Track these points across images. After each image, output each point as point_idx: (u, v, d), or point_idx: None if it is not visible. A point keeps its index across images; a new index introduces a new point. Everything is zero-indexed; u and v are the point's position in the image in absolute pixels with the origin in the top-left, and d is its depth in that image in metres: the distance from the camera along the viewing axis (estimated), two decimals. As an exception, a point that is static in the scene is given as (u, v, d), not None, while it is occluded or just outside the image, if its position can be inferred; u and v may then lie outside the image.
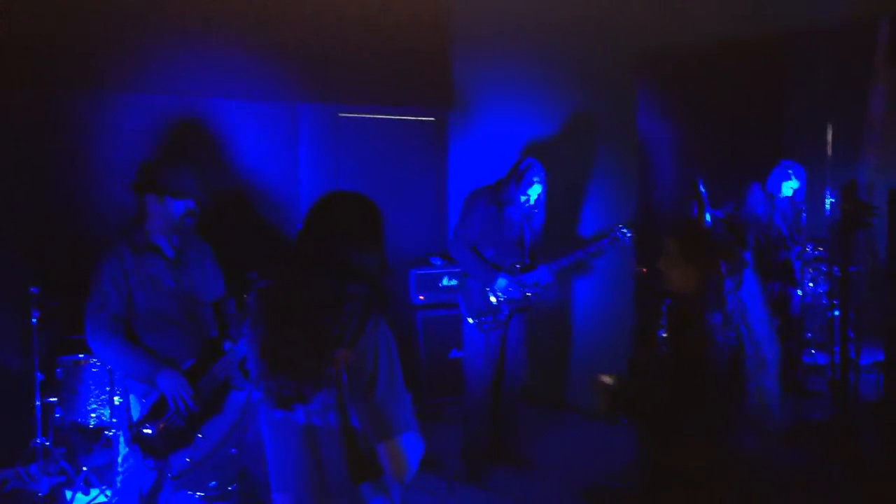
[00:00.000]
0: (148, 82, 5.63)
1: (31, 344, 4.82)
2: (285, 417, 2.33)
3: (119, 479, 4.03)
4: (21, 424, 5.00)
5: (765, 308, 2.71)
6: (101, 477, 4.93)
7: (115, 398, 4.78)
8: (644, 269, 5.72)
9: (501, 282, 5.23)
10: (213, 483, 4.64)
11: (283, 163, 6.38)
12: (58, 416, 4.94)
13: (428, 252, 6.91)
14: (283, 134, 6.38)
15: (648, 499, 2.89)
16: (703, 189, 2.85)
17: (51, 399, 4.92)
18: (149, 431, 3.78)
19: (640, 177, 6.11)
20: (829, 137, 5.49)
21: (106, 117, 5.56)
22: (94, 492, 4.86)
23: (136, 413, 3.86)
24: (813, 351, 7.36)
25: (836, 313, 5.48)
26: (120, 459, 4.03)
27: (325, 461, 2.30)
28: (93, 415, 4.91)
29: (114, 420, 4.81)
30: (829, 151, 5.50)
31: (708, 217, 2.78)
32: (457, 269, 6.15)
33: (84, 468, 4.92)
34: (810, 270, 7.45)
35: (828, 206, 5.73)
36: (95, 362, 4.90)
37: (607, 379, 2.83)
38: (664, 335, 2.62)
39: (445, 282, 6.64)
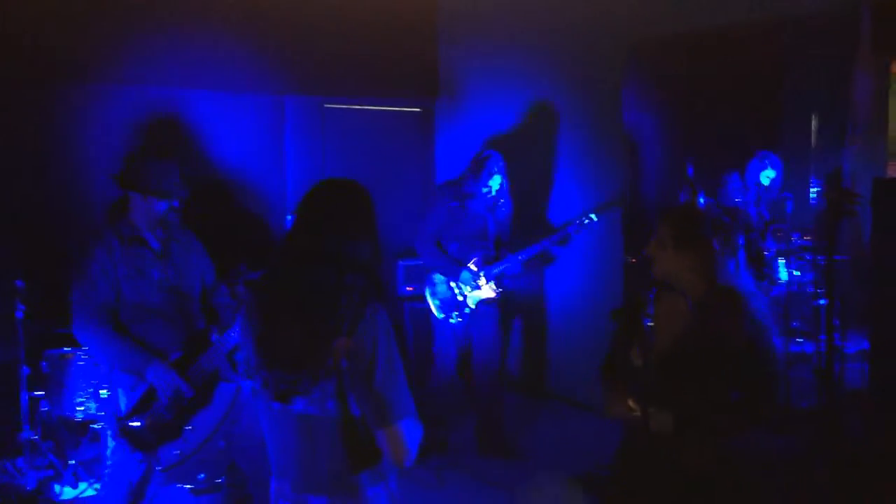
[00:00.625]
0: (133, 74, 5.59)
1: (16, 337, 4.79)
2: (280, 409, 2.32)
3: (107, 472, 4.01)
4: (7, 418, 4.97)
5: (761, 299, 2.75)
6: (89, 470, 4.91)
7: (102, 391, 4.75)
8: (633, 260, 5.75)
9: (465, 275, 5.33)
10: (202, 476, 4.62)
11: (269, 154, 6.36)
12: (44, 409, 4.92)
13: (438, 240, 6.87)
14: (269, 125, 6.36)
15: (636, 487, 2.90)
16: (691, 173, 2.86)
17: (37, 392, 4.90)
18: (136, 424, 3.76)
19: (628, 166, 6.13)
20: (814, 127, 5.52)
21: (90, 110, 5.53)
22: (82, 485, 4.85)
23: (123, 406, 3.85)
24: (800, 339, 7.41)
25: (822, 302, 5.51)
26: (108, 453, 4.01)
27: (322, 449, 2.30)
28: (80, 408, 4.89)
29: (101, 413, 4.79)
30: (814, 141, 5.54)
31: (701, 201, 2.79)
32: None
33: (72, 462, 4.90)
34: (796, 259, 7.50)
35: (813, 195, 5.76)
36: (82, 355, 4.88)
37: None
38: (650, 324, 2.62)
39: (433, 273, 6.62)
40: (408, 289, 6.32)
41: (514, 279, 5.58)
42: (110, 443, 3.97)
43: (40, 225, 5.34)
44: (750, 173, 6.76)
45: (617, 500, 2.98)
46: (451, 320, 5.39)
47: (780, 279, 7.44)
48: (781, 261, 7.44)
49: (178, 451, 3.82)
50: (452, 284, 5.38)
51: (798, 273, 7.48)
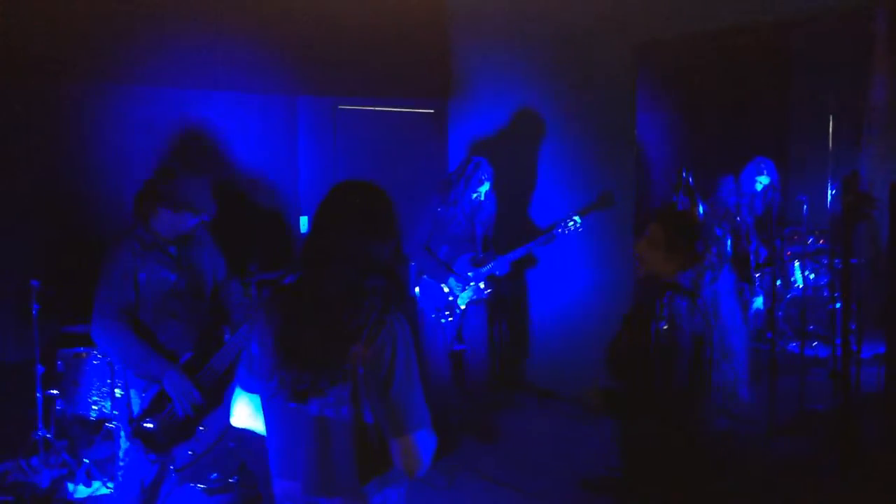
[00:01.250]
0: (148, 75, 5.61)
1: (31, 336, 4.82)
2: (293, 409, 2.31)
3: (120, 471, 4.03)
4: (22, 416, 4.99)
5: (737, 300, 2.74)
6: (103, 469, 4.93)
7: (116, 391, 4.78)
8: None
9: (452, 281, 5.55)
10: (215, 475, 4.65)
11: (282, 155, 6.37)
12: (59, 408, 4.94)
13: (428, 244, 6.88)
14: (282, 126, 6.37)
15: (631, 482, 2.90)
16: (691, 180, 2.86)
17: (52, 391, 4.92)
18: (150, 426, 3.78)
19: (638, 167, 6.12)
20: (831, 129, 5.49)
21: (107, 110, 5.54)
22: (95, 484, 4.87)
23: (136, 407, 3.86)
24: (815, 343, 7.37)
25: (838, 306, 5.48)
26: (121, 454, 4.03)
27: (335, 453, 2.29)
28: (94, 407, 4.91)
29: (115, 413, 4.82)
30: (831, 143, 5.51)
31: (701, 209, 2.79)
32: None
33: (85, 460, 4.92)
34: (812, 262, 7.46)
35: (829, 198, 5.73)
36: (97, 354, 4.90)
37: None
38: (665, 327, 2.61)
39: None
40: (415, 290, 6.32)
41: (502, 280, 5.81)
42: (123, 443, 3.99)
43: (55, 225, 5.36)
44: (744, 178, 6.79)
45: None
46: (442, 320, 5.58)
47: (795, 282, 7.41)
48: (797, 264, 7.42)
49: (192, 452, 3.84)
50: (443, 286, 5.57)
51: (813, 276, 7.46)
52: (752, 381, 2.83)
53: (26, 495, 4.76)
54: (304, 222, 6.42)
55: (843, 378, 4.97)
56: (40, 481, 4.86)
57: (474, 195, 5.54)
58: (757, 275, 7.32)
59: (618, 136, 6.04)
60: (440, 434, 2.34)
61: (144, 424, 3.77)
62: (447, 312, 5.59)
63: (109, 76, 5.50)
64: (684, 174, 2.97)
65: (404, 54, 6.88)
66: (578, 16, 6.25)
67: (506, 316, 6.73)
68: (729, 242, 2.88)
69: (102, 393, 4.91)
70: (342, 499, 2.31)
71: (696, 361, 2.65)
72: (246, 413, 2.53)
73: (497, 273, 5.69)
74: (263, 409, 2.44)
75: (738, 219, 6.62)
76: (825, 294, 7.10)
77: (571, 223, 5.70)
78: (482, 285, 5.66)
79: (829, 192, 5.71)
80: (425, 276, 5.64)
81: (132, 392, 3.90)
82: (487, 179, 5.55)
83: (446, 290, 5.59)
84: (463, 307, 5.63)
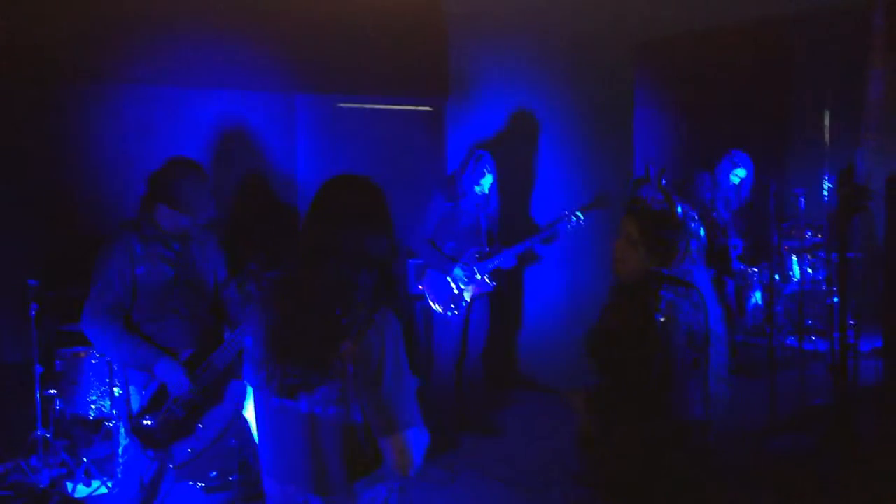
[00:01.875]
0: (146, 74, 5.61)
1: (30, 336, 4.82)
2: (282, 406, 2.31)
3: (119, 469, 4.03)
4: (21, 416, 4.99)
5: (715, 295, 2.75)
6: (102, 469, 4.93)
7: (115, 389, 4.78)
8: None
9: (458, 272, 5.61)
10: (214, 473, 4.64)
11: (281, 152, 6.37)
12: (58, 407, 4.94)
13: (433, 240, 6.89)
14: (281, 124, 6.37)
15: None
16: (664, 180, 2.87)
17: (51, 391, 4.92)
18: (149, 423, 3.78)
19: (632, 165, 6.12)
20: (827, 123, 5.48)
21: (104, 109, 5.55)
22: (95, 483, 4.87)
23: (135, 404, 3.87)
24: (813, 338, 7.37)
25: (836, 300, 5.48)
26: (120, 451, 4.03)
27: (324, 450, 2.29)
28: (93, 406, 4.91)
29: (114, 412, 4.82)
30: (827, 137, 5.50)
31: (679, 209, 2.79)
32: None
33: (85, 460, 4.92)
34: (809, 257, 7.47)
35: (826, 192, 5.73)
36: (95, 354, 4.90)
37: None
38: (662, 319, 2.61)
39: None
40: (419, 287, 6.33)
41: (506, 274, 5.88)
42: (123, 440, 3.99)
43: (54, 224, 5.36)
44: (720, 173, 6.80)
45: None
46: (449, 314, 5.65)
47: (793, 277, 7.41)
48: (795, 258, 7.43)
49: (191, 449, 3.84)
50: (449, 280, 5.64)
51: (811, 270, 7.46)
52: (730, 377, 2.83)
53: (25, 495, 4.76)
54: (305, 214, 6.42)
55: (842, 372, 4.97)
56: (40, 481, 4.86)
57: (478, 188, 5.60)
58: (755, 269, 7.33)
59: (616, 134, 6.05)
60: (440, 430, 2.34)
61: (143, 421, 3.78)
62: (453, 306, 5.65)
63: (107, 75, 5.50)
64: (652, 172, 2.97)
65: (403, 52, 6.88)
66: (577, 14, 6.25)
67: (505, 311, 6.76)
68: (703, 234, 2.87)
69: (101, 392, 4.92)
70: (332, 496, 2.31)
71: (686, 354, 2.66)
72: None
73: (503, 266, 5.76)
74: (255, 404, 2.43)
75: (714, 213, 6.64)
76: (823, 288, 7.10)
77: (574, 218, 5.80)
78: (487, 279, 5.72)
79: (826, 186, 5.70)
80: (430, 270, 5.70)
81: (132, 389, 3.90)
82: (491, 172, 5.62)
83: (452, 284, 5.64)
84: (469, 300, 5.69)
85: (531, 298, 6.91)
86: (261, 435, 2.44)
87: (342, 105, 6.65)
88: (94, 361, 4.91)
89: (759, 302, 7.38)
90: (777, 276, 7.10)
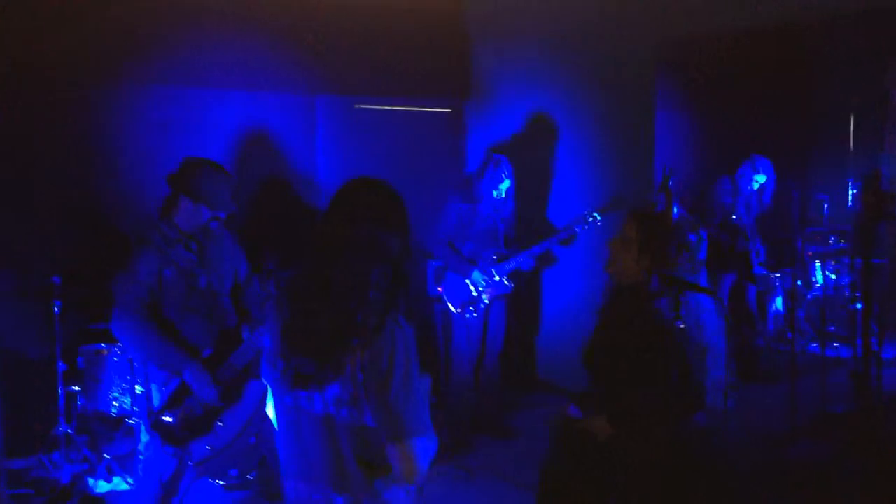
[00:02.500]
0: (167, 75, 5.65)
1: (53, 333, 4.87)
2: (297, 405, 2.32)
3: (140, 466, 4.07)
4: (44, 413, 5.04)
5: (714, 300, 2.71)
6: (123, 465, 4.97)
7: (137, 387, 4.82)
8: None
9: (476, 275, 5.62)
10: (234, 471, 4.68)
11: (301, 154, 6.39)
12: (80, 404, 4.99)
13: (451, 241, 6.90)
14: (300, 125, 6.39)
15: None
16: (671, 182, 2.85)
17: (73, 388, 4.97)
18: (169, 419, 3.82)
19: (652, 167, 6.10)
20: (852, 128, 5.44)
21: (127, 109, 5.59)
22: (115, 480, 4.91)
23: (156, 401, 3.90)
24: (836, 344, 7.31)
25: (859, 306, 5.44)
26: (141, 447, 4.07)
27: (342, 451, 2.29)
28: (114, 403, 4.96)
29: (135, 409, 4.86)
30: (852, 142, 5.46)
31: (675, 210, 2.78)
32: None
33: (106, 456, 4.97)
34: (833, 262, 7.41)
35: (850, 197, 5.69)
36: (117, 351, 4.95)
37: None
38: (681, 325, 2.60)
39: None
40: (438, 289, 6.33)
41: (523, 276, 5.87)
42: (143, 436, 4.03)
43: (76, 222, 5.41)
44: (741, 177, 6.75)
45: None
46: (467, 316, 5.66)
47: (816, 282, 7.36)
48: (818, 264, 7.37)
49: (210, 447, 3.86)
50: (467, 282, 5.65)
51: (835, 276, 7.40)
52: (735, 385, 2.80)
53: (47, 490, 4.81)
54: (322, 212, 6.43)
55: (864, 379, 4.93)
56: (61, 476, 4.90)
57: (496, 192, 5.61)
58: (777, 275, 7.29)
59: (636, 135, 6.02)
60: (458, 432, 2.34)
61: (163, 418, 3.81)
62: (471, 307, 5.66)
63: (129, 77, 5.54)
64: (666, 172, 2.96)
65: (423, 54, 6.89)
66: (597, 15, 6.23)
67: (524, 314, 6.75)
68: (704, 248, 2.84)
69: (123, 389, 4.96)
70: (353, 494, 2.31)
71: (679, 358, 2.64)
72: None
73: (523, 268, 5.76)
74: (274, 402, 2.45)
75: (734, 217, 6.60)
76: (847, 294, 7.04)
77: (591, 219, 5.78)
78: (506, 281, 5.73)
79: (850, 191, 5.66)
80: (449, 272, 5.72)
81: (153, 386, 3.93)
82: (508, 177, 5.63)
83: (471, 286, 5.65)
84: (487, 302, 5.70)
85: (550, 301, 6.90)
86: (279, 433, 2.45)
87: (362, 106, 6.67)
88: (115, 359, 4.96)
89: (781, 308, 7.33)
90: (800, 282, 7.06)
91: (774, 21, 5.34)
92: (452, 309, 5.70)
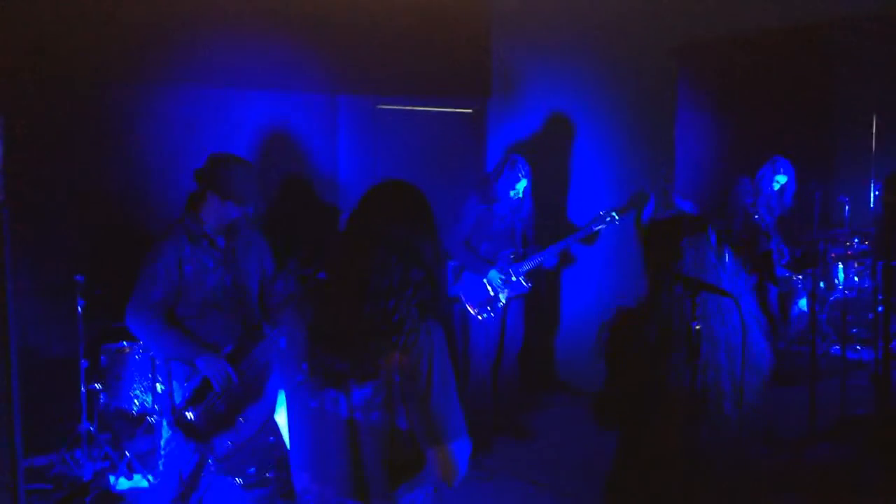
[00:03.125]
0: (189, 74, 5.69)
1: (76, 331, 4.92)
2: (322, 409, 2.30)
3: (161, 462, 4.10)
4: (66, 410, 5.10)
5: (753, 302, 2.69)
6: (144, 462, 5.02)
7: (158, 385, 4.86)
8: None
9: (493, 274, 5.63)
10: (252, 469, 4.70)
11: (322, 153, 6.42)
12: (102, 402, 5.04)
13: (468, 241, 6.91)
14: (322, 124, 6.42)
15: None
16: (668, 189, 2.86)
17: (95, 385, 5.02)
18: (191, 415, 3.84)
19: (673, 166, 6.09)
20: (874, 129, 5.40)
21: (152, 108, 5.64)
22: (136, 477, 4.96)
23: (178, 398, 3.93)
24: (858, 347, 7.25)
25: (880, 309, 5.38)
26: (162, 443, 4.10)
27: (365, 457, 2.28)
28: (136, 401, 5.00)
29: (156, 407, 4.90)
30: (874, 143, 5.42)
31: (683, 210, 2.78)
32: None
33: (127, 453, 5.02)
34: (856, 264, 7.35)
35: (872, 199, 5.65)
36: (139, 349, 4.99)
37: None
38: (697, 327, 2.59)
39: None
40: (456, 289, 6.35)
41: (538, 275, 5.86)
42: (165, 432, 4.06)
43: (102, 220, 5.47)
44: (761, 178, 6.71)
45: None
46: (483, 316, 5.67)
47: (838, 284, 7.30)
48: (840, 266, 7.31)
49: (231, 442, 3.88)
50: (484, 282, 5.66)
51: (857, 279, 7.34)
52: (767, 386, 2.79)
53: (66, 486, 4.87)
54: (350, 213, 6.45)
55: (884, 382, 4.89)
56: (83, 473, 4.96)
57: (512, 192, 5.61)
58: (799, 276, 7.23)
59: (657, 136, 6.01)
60: (476, 433, 2.34)
61: (186, 414, 3.84)
62: (489, 307, 5.67)
63: (152, 76, 5.59)
64: (663, 179, 2.99)
65: (445, 54, 6.89)
66: (620, 17, 6.22)
67: (543, 314, 6.75)
68: (713, 242, 2.83)
69: (144, 387, 5.00)
70: (372, 502, 2.30)
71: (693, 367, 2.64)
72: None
73: (545, 265, 5.76)
74: (287, 405, 2.43)
75: (756, 217, 6.56)
76: (869, 296, 6.98)
77: (609, 219, 5.77)
78: (523, 281, 5.73)
79: (873, 192, 5.61)
80: (466, 272, 5.72)
81: (174, 383, 3.97)
82: (525, 177, 5.62)
83: (488, 286, 5.66)
84: (504, 302, 5.70)
85: (569, 302, 6.89)
86: (296, 435, 2.43)
87: (383, 106, 6.69)
88: (137, 357, 5.00)
89: (804, 309, 7.28)
90: (822, 284, 7.00)
91: (796, 23, 5.32)
92: (470, 310, 5.71)
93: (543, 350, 6.99)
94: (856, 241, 7.35)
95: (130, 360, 5.01)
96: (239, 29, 5.85)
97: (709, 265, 2.75)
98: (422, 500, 2.37)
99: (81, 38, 5.27)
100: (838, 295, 7.25)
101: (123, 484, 4.93)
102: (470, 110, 7.21)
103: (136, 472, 4.97)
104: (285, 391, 2.44)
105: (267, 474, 4.71)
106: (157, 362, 4.80)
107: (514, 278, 5.68)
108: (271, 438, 4.20)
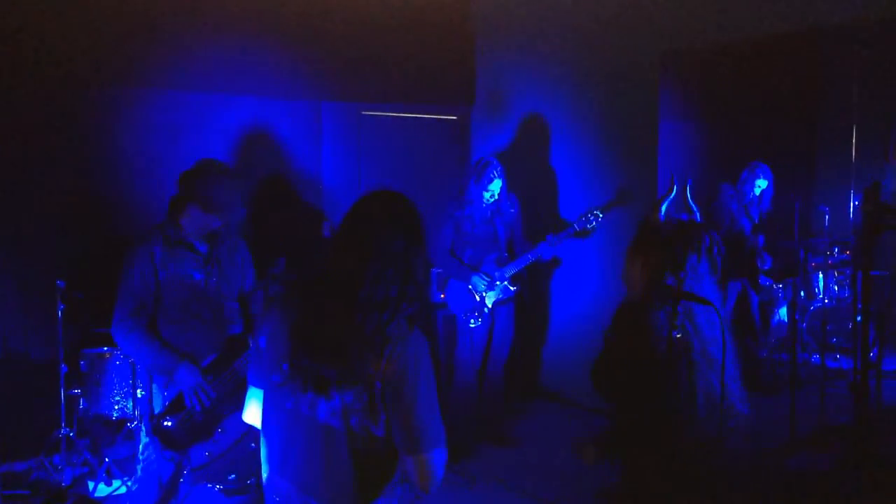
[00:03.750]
0: (173, 80, 5.68)
1: (56, 336, 4.89)
2: (297, 410, 2.30)
3: (139, 467, 4.07)
4: (45, 415, 5.07)
5: (715, 312, 2.68)
6: (123, 468, 4.99)
7: (138, 391, 4.83)
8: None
9: (476, 279, 5.61)
10: (233, 476, 4.68)
11: (306, 159, 6.42)
12: (82, 407, 5.00)
13: (452, 249, 6.92)
14: (307, 130, 6.42)
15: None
16: (687, 190, 2.87)
17: (75, 391, 4.99)
18: (168, 424, 3.82)
19: (655, 173, 6.12)
20: (854, 139, 5.45)
21: (133, 113, 5.63)
22: (115, 483, 4.93)
23: (157, 405, 3.91)
24: (838, 356, 7.30)
25: (859, 318, 5.42)
26: (140, 448, 4.08)
27: (339, 464, 2.28)
28: (116, 406, 4.97)
29: (136, 412, 4.87)
30: (854, 154, 5.47)
31: (663, 210, 2.79)
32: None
33: (106, 459, 4.98)
34: (836, 274, 7.40)
35: (852, 209, 5.69)
36: (119, 355, 4.96)
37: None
38: (678, 335, 2.60)
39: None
40: (441, 296, 6.35)
41: (520, 281, 5.82)
42: (143, 438, 4.04)
43: (80, 226, 5.44)
44: (742, 184, 6.78)
45: None
46: (472, 324, 5.62)
47: (818, 294, 7.35)
48: (821, 275, 7.36)
49: (208, 453, 3.87)
50: (469, 288, 5.63)
51: (837, 288, 7.39)
52: (748, 394, 2.80)
53: (44, 492, 4.83)
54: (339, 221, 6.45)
55: (863, 391, 4.92)
56: (62, 479, 4.92)
57: (486, 193, 5.58)
58: (779, 286, 7.28)
59: (640, 143, 6.03)
60: (458, 439, 2.35)
61: (164, 422, 3.81)
62: (476, 314, 5.65)
63: (135, 81, 5.58)
64: (674, 181, 2.99)
65: (428, 61, 6.92)
66: (603, 23, 6.25)
67: (531, 322, 6.75)
68: (715, 252, 2.83)
69: (124, 393, 4.98)
70: None
71: (679, 371, 2.64)
72: (257, 411, 2.53)
73: (543, 258, 5.74)
74: (264, 404, 2.43)
75: (745, 220, 6.61)
76: (849, 306, 7.03)
77: (592, 216, 5.76)
78: (509, 284, 5.71)
79: (852, 202, 5.66)
80: (452, 280, 5.71)
81: (154, 388, 3.94)
82: (499, 177, 5.58)
83: (474, 292, 5.63)
84: (490, 307, 5.69)
85: (558, 310, 6.89)
86: (268, 434, 2.43)
87: (368, 113, 6.70)
88: (118, 362, 4.97)
89: (784, 318, 7.32)
90: (802, 293, 7.05)
91: (778, 30, 5.36)
92: (456, 315, 5.71)
93: (528, 358, 6.99)
94: (836, 250, 7.41)
95: (111, 366, 4.98)
96: (224, 35, 5.85)
97: (703, 272, 2.76)
98: None
99: (65, 42, 5.25)
100: (818, 304, 7.30)
101: (102, 490, 4.89)
102: (454, 117, 7.24)
103: (116, 478, 4.94)
104: (262, 389, 2.44)
105: (248, 481, 4.69)
106: (138, 368, 4.78)
107: (498, 283, 5.67)
108: (252, 445, 4.18)
